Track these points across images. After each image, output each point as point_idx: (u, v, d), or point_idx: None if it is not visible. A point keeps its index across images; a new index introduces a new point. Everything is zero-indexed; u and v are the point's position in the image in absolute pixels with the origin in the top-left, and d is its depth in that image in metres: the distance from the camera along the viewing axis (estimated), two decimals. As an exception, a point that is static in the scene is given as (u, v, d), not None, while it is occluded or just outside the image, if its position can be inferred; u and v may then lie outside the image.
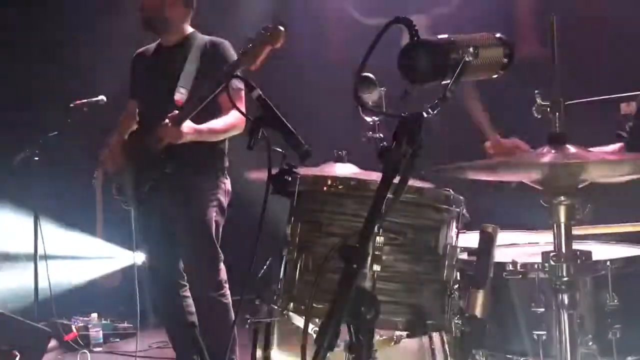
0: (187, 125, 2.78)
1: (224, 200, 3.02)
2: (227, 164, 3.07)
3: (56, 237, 4.59)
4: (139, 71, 3.17)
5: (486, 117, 2.19)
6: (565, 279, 1.43)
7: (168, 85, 2.91)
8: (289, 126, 1.90)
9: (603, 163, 1.45)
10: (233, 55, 2.91)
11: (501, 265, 1.77)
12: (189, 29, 3.09)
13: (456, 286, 1.78)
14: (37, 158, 4.17)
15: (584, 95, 3.51)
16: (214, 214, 2.96)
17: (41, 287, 4.18)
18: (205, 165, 2.99)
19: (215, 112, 2.91)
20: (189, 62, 2.91)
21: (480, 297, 1.68)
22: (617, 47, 3.89)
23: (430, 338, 2.06)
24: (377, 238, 1.66)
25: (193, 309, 3.05)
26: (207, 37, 3.05)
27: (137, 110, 3.15)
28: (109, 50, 4.46)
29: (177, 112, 2.78)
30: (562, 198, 1.42)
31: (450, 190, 1.84)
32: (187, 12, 3.08)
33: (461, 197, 1.86)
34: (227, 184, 3.06)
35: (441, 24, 4.65)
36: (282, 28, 2.53)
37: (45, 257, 4.21)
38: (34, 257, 4.19)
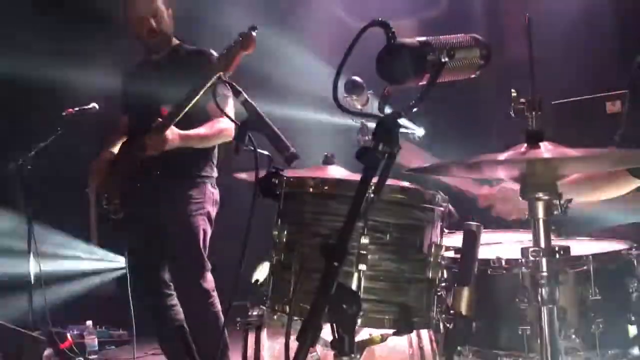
0: (171, 132, 2.80)
1: (212, 210, 3.04)
2: (216, 173, 3.09)
3: (50, 246, 4.61)
4: (128, 86, 3.21)
5: (463, 181, 2.21)
6: (545, 273, 1.46)
7: (155, 97, 2.94)
8: (275, 129, 1.93)
9: (579, 159, 1.48)
10: None
11: (485, 262, 1.80)
12: (175, 41, 3.12)
13: (442, 284, 1.81)
14: (30, 167, 4.18)
15: (570, 94, 3.57)
16: (201, 223, 2.98)
17: (36, 295, 4.18)
18: (193, 173, 3.01)
19: (205, 119, 2.93)
20: (175, 72, 2.94)
21: (465, 294, 1.71)
22: (600, 47, 3.94)
23: (419, 336, 2.09)
24: (363, 237, 1.70)
25: (182, 316, 3.06)
26: (192, 48, 3.08)
27: (128, 124, 3.19)
28: (102, 59, 4.49)
29: (160, 120, 2.81)
30: (541, 194, 1.45)
31: (438, 191, 1.87)
32: (173, 24, 3.12)
33: (446, 197, 1.90)
34: (215, 193, 3.07)
35: (430, 27, 4.70)
36: (254, 34, 2.59)
37: (39, 266, 4.22)
38: (28, 266, 4.19)
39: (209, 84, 2.70)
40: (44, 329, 4.16)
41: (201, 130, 2.92)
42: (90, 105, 4.03)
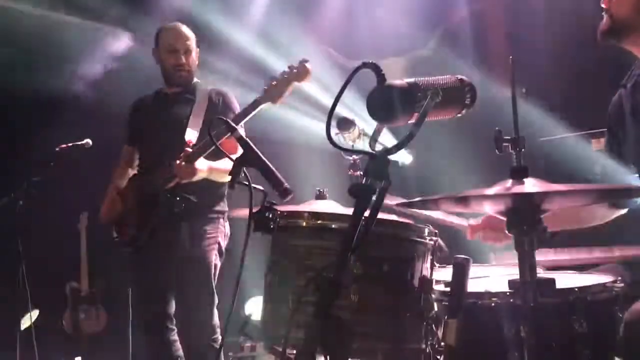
0: (201, 162, 2.84)
1: (223, 243, 3.07)
2: (227, 208, 3.13)
3: (40, 281, 4.57)
4: (140, 118, 3.23)
5: (448, 217, 2.29)
6: (532, 304, 1.49)
7: (176, 129, 2.98)
8: (270, 165, 1.98)
9: (563, 193, 1.54)
10: (236, 103, 3.07)
11: (474, 295, 1.83)
12: (195, 79, 3.20)
13: (432, 316, 1.84)
14: (21, 202, 4.18)
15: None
16: (213, 258, 2.99)
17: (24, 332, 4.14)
18: (207, 208, 3.03)
19: (220, 155, 2.97)
20: (196, 108, 3.03)
21: (454, 326, 1.74)
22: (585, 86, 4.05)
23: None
24: (355, 270, 1.74)
25: (181, 352, 3.04)
26: (209, 87, 3.15)
27: (138, 155, 3.21)
28: (95, 95, 4.56)
29: (189, 150, 2.85)
30: (526, 228, 1.50)
31: (427, 225, 1.92)
32: (197, 63, 3.20)
33: (436, 230, 1.95)
34: (227, 227, 3.12)
35: (418, 66, 4.82)
36: (308, 66, 2.67)
37: (29, 301, 4.18)
38: (17, 301, 4.16)
39: (254, 112, 2.77)
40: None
41: (226, 163, 2.90)
42: (84, 141, 4.06)
